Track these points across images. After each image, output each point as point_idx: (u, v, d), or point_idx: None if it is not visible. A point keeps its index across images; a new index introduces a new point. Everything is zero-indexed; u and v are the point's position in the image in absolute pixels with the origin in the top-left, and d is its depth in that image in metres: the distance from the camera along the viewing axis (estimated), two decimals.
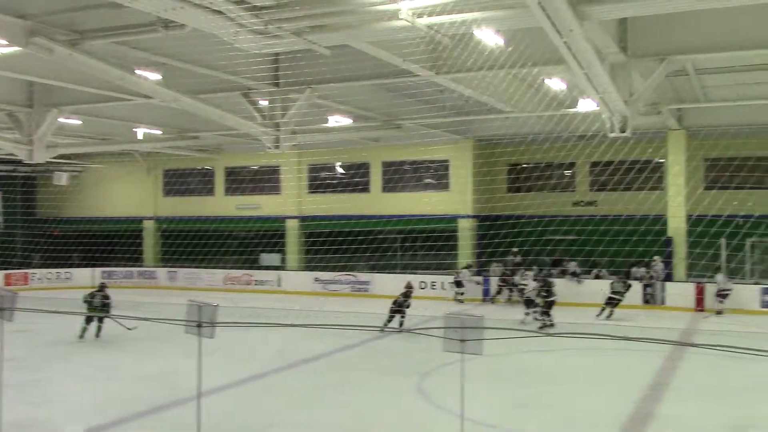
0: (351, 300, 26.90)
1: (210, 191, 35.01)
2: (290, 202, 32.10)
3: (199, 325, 7.88)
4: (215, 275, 31.36)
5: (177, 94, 18.03)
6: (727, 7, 12.69)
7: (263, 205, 33.11)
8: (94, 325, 17.40)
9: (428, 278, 26.94)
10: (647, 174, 26.50)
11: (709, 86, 20.09)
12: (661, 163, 26.33)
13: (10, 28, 13.56)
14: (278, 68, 18.36)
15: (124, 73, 16.08)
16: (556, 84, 17.26)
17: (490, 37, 12.65)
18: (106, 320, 17.22)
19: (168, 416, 10.84)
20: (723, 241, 24.55)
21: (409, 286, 19.05)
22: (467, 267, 26.74)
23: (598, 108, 16.42)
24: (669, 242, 25.02)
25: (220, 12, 11.29)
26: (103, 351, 16.44)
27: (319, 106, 21.42)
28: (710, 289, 22.95)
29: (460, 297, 25.49)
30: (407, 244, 29.63)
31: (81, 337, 17.27)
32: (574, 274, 25.15)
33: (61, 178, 34.71)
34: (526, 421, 10.91)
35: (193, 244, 32.18)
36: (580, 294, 24.14)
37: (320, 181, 32.43)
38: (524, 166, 29.92)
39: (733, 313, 21.99)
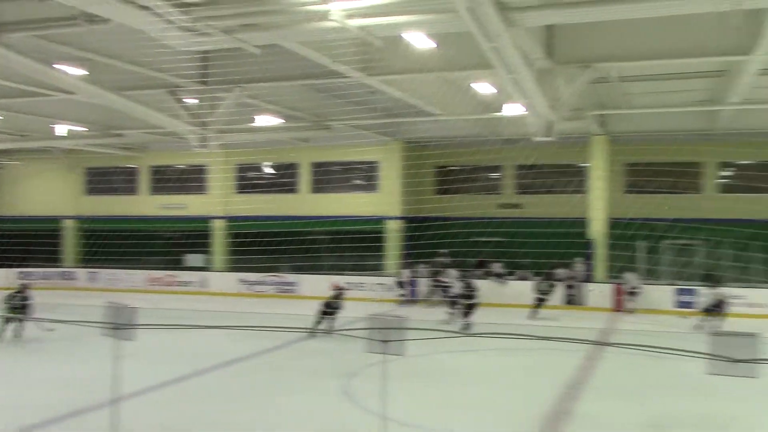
0: (277, 301, 26.68)
1: (134, 190, 34.17)
2: (217, 202, 31.64)
3: (117, 328, 7.69)
4: (137, 276, 30.59)
5: (101, 90, 17.54)
6: (648, 18, 13.15)
7: (189, 205, 32.52)
8: (13, 326, 16.94)
9: (355, 279, 26.94)
10: (570, 178, 27.21)
11: (631, 93, 20.74)
12: (584, 167, 27.05)
13: None
14: (207, 66, 18.08)
15: (45, 67, 15.54)
16: (484, 88, 17.52)
17: (420, 41, 12.74)
18: (28, 322, 16.77)
19: (85, 421, 10.50)
20: (641, 243, 25.40)
21: (339, 288, 19.00)
22: (410, 267, 26.79)
23: (524, 112, 16.74)
24: (590, 244, 25.69)
25: (146, 7, 11.03)
26: (20, 354, 15.86)
27: (248, 106, 21.17)
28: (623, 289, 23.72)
29: (402, 298, 25.58)
30: (335, 245, 29.57)
31: None
32: (498, 276, 25.57)
33: None
34: (449, 421, 11.01)
35: (116, 245, 31.38)
36: (504, 295, 24.57)
37: (248, 181, 32.06)
38: (452, 168, 30.27)
39: (649, 313, 22.74)
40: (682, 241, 26.48)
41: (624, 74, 18.12)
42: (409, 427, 10.39)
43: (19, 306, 17.03)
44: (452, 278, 23.08)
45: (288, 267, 28.18)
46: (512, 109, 18.48)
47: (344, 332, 16.77)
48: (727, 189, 27.62)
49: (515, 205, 29.41)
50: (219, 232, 31.86)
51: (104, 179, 34.41)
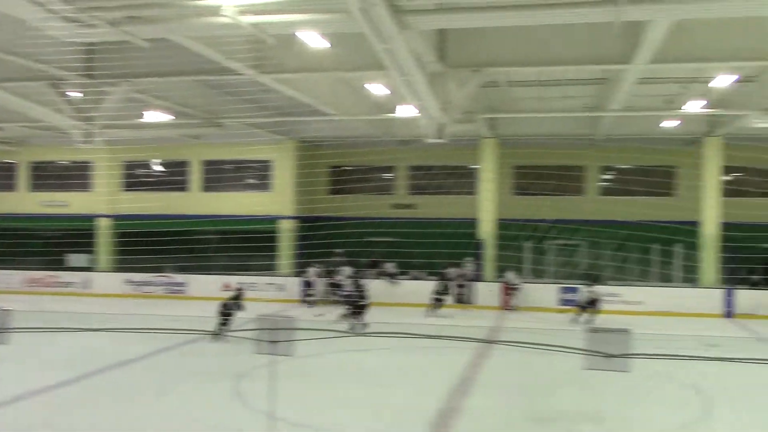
0: (165, 302, 25.95)
1: (12, 186, 32.44)
2: (102, 200, 30.48)
3: None
4: (14, 277, 29.01)
5: None
6: (535, 26, 13.64)
7: (72, 203, 31.16)
8: None
9: (247, 279, 26.55)
10: (461, 179, 27.82)
11: (519, 98, 21.40)
12: (474, 168, 27.71)
13: None
14: (92, 59, 17.34)
15: None
16: (377, 89, 17.65)
17: (314, 40, 12.70)
18: None
19: None
20: (527, 243, 26.26)
21: (239, 288, 18.65)
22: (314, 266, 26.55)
23: (416, 114, 16.97)
24: (480, 244, 26.34)
25: None
26: None
27: (136, 101, 20.48)
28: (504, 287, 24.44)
29: (309, 299, 25.35)
30: (226, 245, 29.07)
31: None
32: (390, 275, 25.82)
33: None
34: (339, 421, 11.03)
35: None
36: (396, 294, 24.84)
37: (135, 179, 31.06)
38: (345, 168, 30.35)
39: (535, 311, 23.51)
40: (566, 241, 27.56)
41: (512, 79, 18.69)
42: (299, 427, 10.35)
43: None
44: (345, 278, 23.15)
45: (177, 267, 27.47)
46: (405, 111, 18.69)
47: (228, 334, 16.53)
48: (606, 192, 28.99)
49: (408, 206, 29.80)
50: (104, 231, 30.70)
51: None
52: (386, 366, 15.24)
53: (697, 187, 25.48)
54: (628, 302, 23.41)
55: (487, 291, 24.70)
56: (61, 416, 10.83)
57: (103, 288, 27.83)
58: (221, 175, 30.48)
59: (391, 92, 17.81)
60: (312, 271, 25.80)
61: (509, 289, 24.10)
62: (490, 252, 26.31)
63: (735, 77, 15.96)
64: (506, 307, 23.99)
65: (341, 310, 20.48)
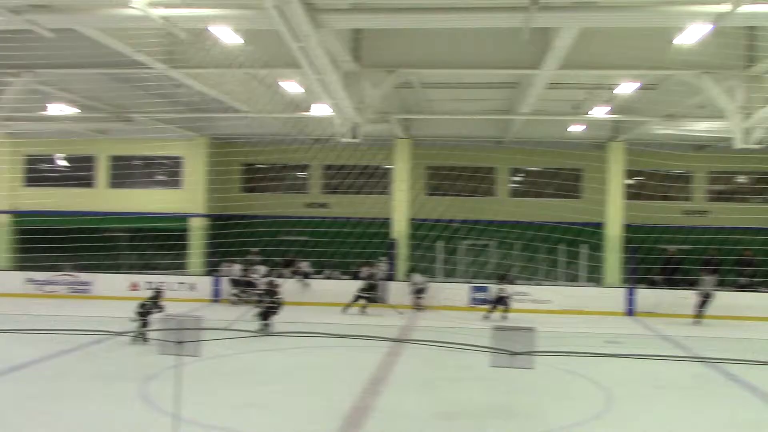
0: (69, 302, 25.02)
1: None
2: (1, 195, 29.14)
3: None
4: None
5: None
6: (447, 29, 13.84)
7: None
8: None
9: (157, 278, 25.93)
10: (375, 179, 27.95)
11: (432, 99, 21.67)
12: (389, 169, 27.89)
13: None
14: None
15: None
16: (292, 87, 17.53)
17: (227, 35, 12.51)
18: None
19: None
20: (440, 243, 26.62)
21: (158, 289, 18.14)
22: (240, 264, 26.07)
23: (331, 113, 16.95)
24: (393, 244, 26.53)
25: None
26: None
27: (40, 93, 19.68)
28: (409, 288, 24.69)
29: (235, 297, 24.91)
30: (135, 243, 28.29)
31: None
32: (304, 275, 25.70)
33: None
34: (249, 422, 10.94)
35: None
36: (310, 294, 24.74)
37: (38, 174, 29.85)
38: (259, 166, 30.03)
39: (447, 310, 23.82)
40: (477, 241, 28.06)
41: (426, 81, 18.91)
42: (206, 429, 10.20)
43: None
44: (259, 277, 22.95)
45: (82, 265, 26.54)
46: (320, 110, 18.64)
47: (129, 335, 16.07)
48: (516, 193, 29.71)
49: (322, 205, 29.75)
50: (3, 227, 29.36)
51: None
52: (297, 366, 15.17)
53: (601, 189, 26.44)
54: (536, 301, 24.07)
55: (399, 290, 24.87)
56: None
57: (2, 287, 26.60)
58: (130, 171, 29.63)
59: (306, 91, 17.73)
60: (236, 268, 25.32)
61: (416, 291, 24.36)
62: (403, 252, 26.55)
63: (637, 85, 16.61)
64: (415, 307, 24.24)
65: (255, 309, 20.22)
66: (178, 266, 27.28)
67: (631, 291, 24.51)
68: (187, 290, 25.66)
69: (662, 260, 25.87)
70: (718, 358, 13.21)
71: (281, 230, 27.98)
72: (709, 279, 22.95)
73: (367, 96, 16.25)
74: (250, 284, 24.24)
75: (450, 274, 27.50)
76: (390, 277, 25.70)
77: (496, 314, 22.38)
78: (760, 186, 28.89)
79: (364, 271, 25.27)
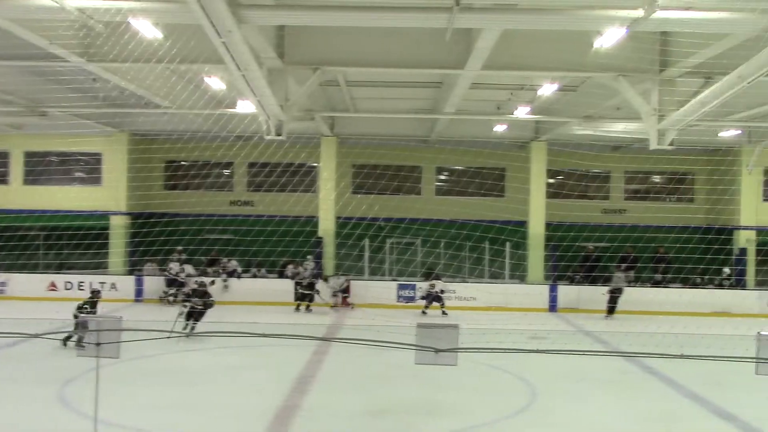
0: None
1: None
2: None
3: None
4: None
5: None
6: (374, 27, 13.86)
7: None
8: None
9: (76, 278, 25.19)
10: (301, 177, 27.80)
11: (358, 98, 21.68)
12: (314, 167, 27.77)
13: None
14: None
15: None
16: (215, 83, 17.25)
17: (147, 29, 12.20)
18: None
19: None
20: (366, 241, 26.66)
21: (95, 290, 17.52)
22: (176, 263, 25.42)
23: (255, 110, 16.76)
24: (320, 242, 26.44)
25: None
26: None
27: None
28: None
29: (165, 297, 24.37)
30: (52, 242, 27.34)
31: None
32: (229, 273, 25.35)
33: None
34: (175, 422, 10.75)
35: None
36: (235, 292, 24.47)
37: None
38: (182, 163, 29.47)
39: (375, 308, 23.85)
40: (403, 239, 28.24)
41: (351, 79, 18.89)
42: (128, 430, 9.97)
43: None
44: (187, 276, 22.59)
45: None
46: (244, 107, 18.41)
47: (50, 336, 15.55)
48: (442, 192, 30.02)
49: (247, 203, 29.43)
50: None
51: None
52: (223, 366, 14.97)
53: (523, 188, 26.97)
54: (461, 298, 24.39)
55: (325, 289, 24.81)
56: None
57: None
58: (46, 167, 28.62)
59: (230, 87, 17.47)
60: (174, 267, 24.71)
61: (337, 292, 24.38)
62: (330, 250, 26.49)
63: (556, 86, 16.99)
64: (343, 305, 24.24)
65: (181, 308, 19.69)
66: (98, 265, 26.51)
67: (553, 288, 25.09)
68: (108, 290, 24.95)
69: (582, 257, 26.57)
70: (636, 352, 13.71)
71: (205, 228, 27.56)
72: (618, 275, 23.79)
73: (292, 93, 16.14)
74: (182, 284, 23.90)
75: (376, 272, 27.57)
76: (317, 276, 25.56)
77: (434, 311, 22.82)
78: (673, 186, 30.00)
79: (289, 269, 25.13)
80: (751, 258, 27.01)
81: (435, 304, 23.05)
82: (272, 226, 26.28)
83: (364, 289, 24.85)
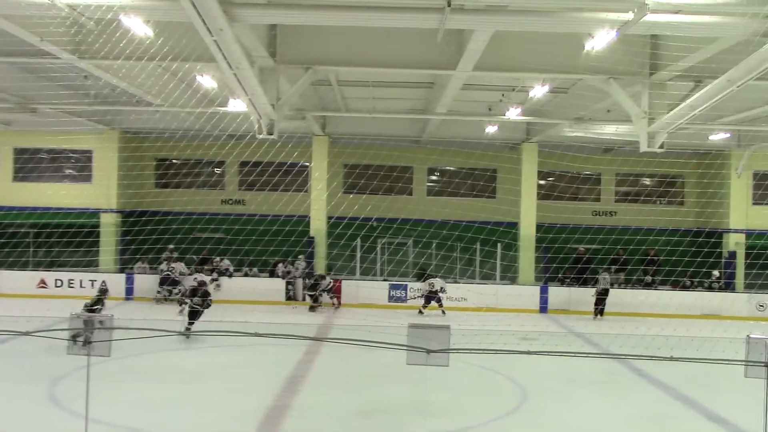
0: None
1: None
2: None
3: None
4: None
5: None
6: (366, 27, 13.85)
7: None
8: None
9: (66, 276, 25.11)
10: (293, 176, 27.78)
11: (349, 97, 21.67)
12: (306, 166, 27.74)
13: None
14: None
15: None
16: (207, 81, 17.21)
17: (138, 27, 12.16)
18: None
19: None
20: (358, 241, 26.65)
21: (103, 289, 17.42)
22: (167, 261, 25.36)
23: (247, 109, 16.73)
24: (311, 242, 26.42)
25: None
26: None
27: None
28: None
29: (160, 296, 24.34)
30: (42, 240, 27.23)
31: None
32: (220, 273, 25.32)
33: None
34: (165, 421, 10.73)
35: None
36: (227, 291, 24.43)
37: None
38: (173, 161, 29.40)
39: (366, 308, 23.84)
40: (395, 239, 28.24)
41: (343, 79, 18.89)
42: (119, 429, 9.94)
43: None
44: (179, 274, 22.53)
45: None
46: (235, 105, 18.38)
47: (37, 335, 15.42)
48: (433, 192, 30.04)
49: (238, 201, 29.38)
50: None
51: None
52: (214, 365, 14.96)
53: (515, 190, 27.00)
54: (453, 299, 24.38)
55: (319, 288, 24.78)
56: None
57: None
58: (36, 164, 28.49)
59: (221, 85, 17.44)
60: (165, 266, 24.65)
61: (323, 291, 24.37)
62: (321, 250, 26.47)
63: (547, 88, 17.02)
64: (333, 305, 24.27)
65: (182, 308, 19.42)
66: (88, 263, 26.43)
67: (544, 289, 25.13)
68: (98, 288, 24.86)
69: (573, 259, 26.63)
70: (626, 354, 13.74)
71: (196, 227, 27.49)
72: (605, 276, 23.90)
73: (284, 92, 16.11)
74: (175, 282, 23.86)
75: (368, 273, 27.56)
76: (309, 275, 25.56)
77: (430, 311, 23.00)
78: (663, 188, 30.09)
79: (279, 267, 25.12)
80: (740, 261, 27.12)
81: (432, 304, 23.14)
82: (264, 225, 26.26)
83: (355, 289, 24.83)
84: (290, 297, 25.01)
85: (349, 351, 14.16)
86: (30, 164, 28.39)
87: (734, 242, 27.24)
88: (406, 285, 25.08)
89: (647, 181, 30.59)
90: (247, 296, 23.52)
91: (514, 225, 26.95)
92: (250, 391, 12.86)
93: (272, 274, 25.79)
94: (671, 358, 7.79)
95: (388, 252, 28.38)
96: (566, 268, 26.59)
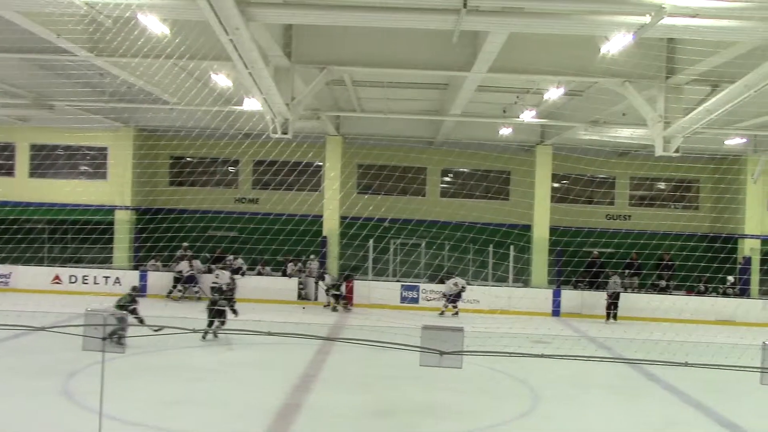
0: None
1: None
2: None
3: None
4: None
5: None
6: (380, 28, 13.84)
7: None
8: None
9: (80, 272, 25.28)
10: (307, 176, 27.81)
11: (364, 98, 21.67)
12: (320, 166, 27.79)
13: None
14: None
15: None
16: (222, 80, 17.26)
17: (155, 25, 12.21)
18: None
19: None
20: (371, 242, 26.65)
21: (135, 287, 17.48)
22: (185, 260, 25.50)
23: (261, 108, 16.77)
24: (325, 242, 26.45)
25: None
26: None
27: None
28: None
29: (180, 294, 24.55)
30: (57, 236, 27.43)
31: None
32: (234, 271, 25.39)
33: None
34: (178, 418, 10.77)
35: None
36: (242, 289, 24.46)
37: None
38: (188, 159, 29.53)
39: (378, 308, 23.82)
40: (408, 240, 28.21)
41: (357, 79, 18.90)
42: (132, 425, 9.98)
43: None
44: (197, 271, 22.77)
45: (1, 257, 25.58)
46: (250, 104, 18.42)
47: (54, 330, 15.50)
48: (446, 194, 29.99)
49: (252, 200, 29.47)
50: None
51: None
52: (226, 363, 15.02)
53: (528, 192, 26.92)
54: (466, 301, 24.35)
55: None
56: None
57: None
58: (53, 161, 28.70)
59: (237, 84, 17.49)
60: (184, 265, 24.75)
61: (328, 289, 24.39)
62: (334, 249, 26.49)
63: (562, 90, 16.94)
64: (330, 305, 24.27)
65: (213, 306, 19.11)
66: (103, 260, 26.63)
67: (557, 292, 25.04)
68: (112, 284, 25.05)
69: (587, 263, 26.50)
70: (640, 359, 13.66)
71: (210, 226, 27.61)
72: (615, 280, 23.80)
73: (298, 92, 16.13)
74: (191, 279, 23.93)
75: (381, 273, 27.55)
76: (321, 275, 25.58)
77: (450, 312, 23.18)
78: (678, 192, 29.90)
79: (289, 266, 25.20)
80: (755, 267, 26.91)
81: (449, 305, 23.16)
82: (278, 224, 26.34)
83: (367, 289, 24.83)
84: (302, 297, 25.05)
85: (361, 351, 14.17)
86: (46, 161, 28.58)
87: (749, 248, 27.03)
88: (418, 286, 25.05)
89: (662, 185, 30.41)
90: (260, 295, 23.60)
91: (527, 228, 26.86)
92: (262, 389, 12.90)
93: (284, 273, 25.87)
94: (686, 364, 7.70)
95: (401, 253, 28.35)
96: (580, 273, 26.47)
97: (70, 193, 27.48)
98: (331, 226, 26.64)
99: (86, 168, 29.22)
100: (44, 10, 12.23)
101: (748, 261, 26.87)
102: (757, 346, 7.69)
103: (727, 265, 25.58)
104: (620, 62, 13.04)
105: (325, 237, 26.58)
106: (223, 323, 16.95)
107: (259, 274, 26.04)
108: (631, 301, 23.98)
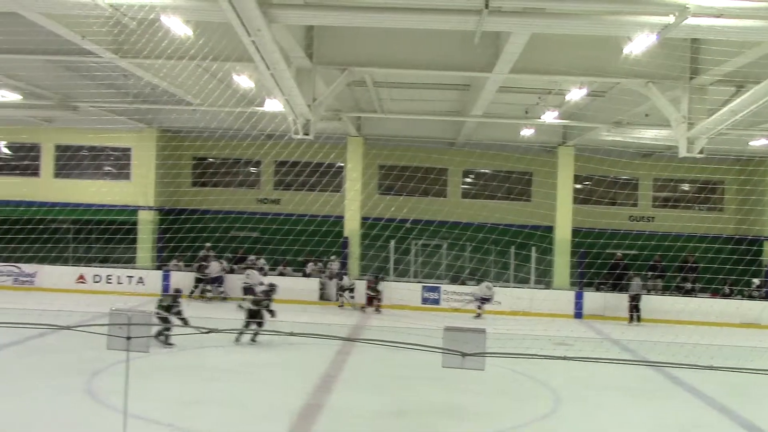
0: (12, 294, 24.39)
1: None
2: None
3: None
4: None
5: None
6: (402, 29, 13.85)
7: None
8: None
9: (104, 272, 25.53)
10: (328, 177, 27.88)
11: (385, 99, 21.68)
12: (341, 167, 27.84)
13: None
14: None
15: None
16: (244, 81, 17.37)
17: (178, 26, 12.31)
18: None
19: None
20: (392, 243, 26.66)
21: (177, 289, 17.56)
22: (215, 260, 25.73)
23: (283, 109, 16.84)
24: (346, 243, 26.49)
25: None
26: None
27: None
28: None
29: (210, 294, 24.78)
30: (82, 236, 27.74)
31: None
32: (260, 271, 25.53)
33: None
34: (198, 418, 10.82)
35: None
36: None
37: None
38: (211, 160, 29.72)
39: (399, 309, 23.81)
40: (432, 242, 28.17)
41: (379, 80, 18.91)
42: (154, 424, 10.06)
43: None
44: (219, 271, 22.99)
45: (26, 257, 25.90)
46: (272, 105, 18.51)
47: (77, 329, 15.64)
48: (468, 195, 29.91)
49: (274, 201, 29.60)
50: None
51: None
52: (247, 363, 15.06)
53: (551, 193, 26.76)
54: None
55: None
56: None
57: None
58: (77, 161, 29.00)
59: (258, 85, 17.58)
60: (215, 265, 24.93)
61: (342, 288, 24.41)
62: (355, 250, 26.52)
63: (585, 91, 16.84)
64: (341, 304, 24.30)
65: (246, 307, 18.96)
66: (126, 260, 26.87)
67: (579, 294, 24.88)
68: (135, 284, 25.29)
69: (610, 265, 26.29)
70: (664, 362, 13.53)
71: (233, 226, 27.77)
72: (636, 281, 23.60)
73: (320, 93, 16.18)
74: (216, 279, 24.27)
75: (402, 274, 27.54)
76: (341, 276, 25.64)
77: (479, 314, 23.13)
78: (702, 194, 29.59)
79: (309, 266, 25.26)
80: None
81: (470, 306, 23.21)
82: (299, 225, 26.43)
83: (388, 290, 24.81)
84: (323, 298, 25.11)
85: (382, 352, 14.09)
86: (71, 161, 28.90)
87: None
88: (440, 287, 25.00)
89: (686, 187, 30.10)
90: (282, 295, 23.59)
91: (549, 229, 26.72)
92: (283, 389, 12.93)
93: (304, 274, 25.97)
94: (711, 367, 7.61)
95: (422, 254, 28.32)
96: (603, 274, 26.26)
97: (94, 193, 27.75)
98: (352, 226, 26.67)
99: (110, 168, 29.52)
100: (70, 12, 12.40)
101: None
102: None
103: (753, 268, 25.23)
104: (643, 63, 12.95)
105: (346, 238, 26.61)
106: (260, 325, 16.65)
107: (281, 274, 26.13)
108: (655, 304, 23.75)
